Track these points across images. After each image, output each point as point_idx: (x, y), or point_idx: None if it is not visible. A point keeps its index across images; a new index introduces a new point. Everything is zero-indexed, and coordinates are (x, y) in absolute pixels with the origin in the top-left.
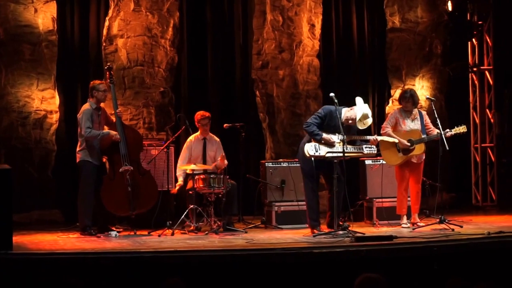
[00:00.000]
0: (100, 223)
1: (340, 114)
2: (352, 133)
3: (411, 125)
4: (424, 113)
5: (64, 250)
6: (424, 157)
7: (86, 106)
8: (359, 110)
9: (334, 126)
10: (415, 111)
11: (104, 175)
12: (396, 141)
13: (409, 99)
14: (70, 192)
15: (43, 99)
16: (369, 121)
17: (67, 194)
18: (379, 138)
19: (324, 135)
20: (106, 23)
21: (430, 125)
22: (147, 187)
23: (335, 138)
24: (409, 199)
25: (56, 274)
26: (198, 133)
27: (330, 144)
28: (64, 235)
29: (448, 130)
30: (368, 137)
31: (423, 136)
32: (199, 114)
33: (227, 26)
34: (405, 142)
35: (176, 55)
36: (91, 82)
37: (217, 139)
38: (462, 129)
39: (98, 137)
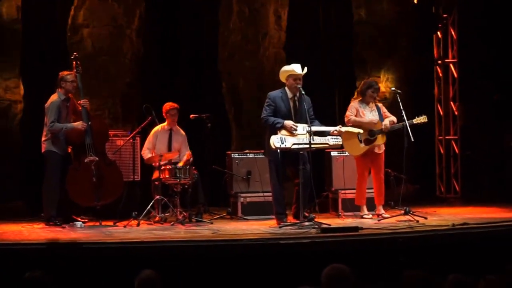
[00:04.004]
0: (65, 214)
1: (305, 102)
2: (303, 112)
3: (370, 116)
4: (380, 105)
5: (29, 241)
6: (384, 147)
7: (54, 97)
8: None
9: (283, 110)
10: (372, 102)
11: (70, 165)
12: (361, 131)
13: (376, 90)
14: (35, 182)
15: (7, 88)
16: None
17: (32, 184)
18: (344, 129)
19: (286, 122)
20: (71, 13)
21: (388, 114)
22: (112, 178)
23: (301, 129)
24: (372, 190)
25: (21, 265)
26: (165, 123)
27: (291, 131)
28: (28, 226)
29: (409, 120)
30: (332, 128)
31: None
32: (168, 104)
33: (194, 17)
34: (375, 123)
35: (142, 45)
36: (60, 73)
37: (183, 133)
38: (422, 119)
39: (61, 131)
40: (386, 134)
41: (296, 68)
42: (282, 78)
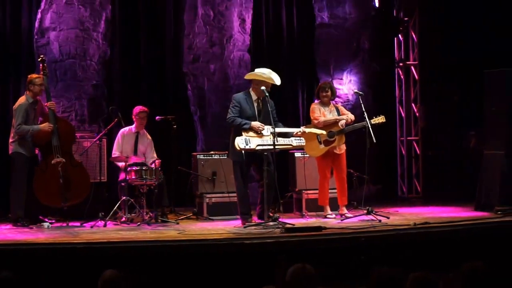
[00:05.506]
0: (32, 214)
1: (268, 104)
2: (268, 114)
3: (329, 116)
4: (338, 105)
5: None
6: (345, 147)
7: (22, 99)
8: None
9: (248, 112)
10: (331, 104)
11: (37, 166)
12: (324, 132)
13: (327, 90)
14: (2, 183)
15: None
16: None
17: None
18: (307, 130)
19: (253, 123)
20: (38, 16)
21: (346, 112)
22: (79, 179)
23: (265, 131)
24: (335, 191)
25: None
26: (132, 125)
27: (258, 132)
28: None
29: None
30: (295, 130)
31: (342, 127)
32: (138, 108)
33: (159, 20)
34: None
35: (108, 48)
36: (28, 76)
37: (149, 137)
38: (380, 119)
39: (28, 133)
40: (345, 135)
41: (275, 79)
42: (254, 79)
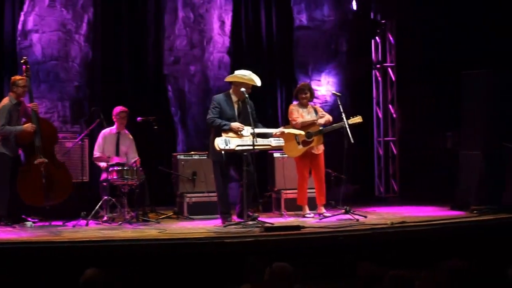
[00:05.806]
0: (14, 214)
1: (248, 105)
2: (247, 115)
3: (308, 117)
4: (316, 106)
5: None
6: (323, 148)
7: (5, 100)
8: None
9: (228, 113)
10: (309, 105)
11: (20, 166)
12: (303, 133)
13: (307, 92)
14: None
15: None
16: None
17: None
18: (286, 130)
19: (232, 124)
20: (21, 18)
21: (324, 114)
22: (62, 179)
23: (245, 132)
24: (314, 190)
25: None
26: (113, 126)
27: (238, 132)
28: None
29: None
30: (274, 130)
31: (320, 128)
32: (118, 108)
33: (140, 22)
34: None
35: (90, 50)
36: (12, 78)
37: (131, 137)
38: (357, 119)
39: (12, 134)
40: (323, 135)
41: (256, 80)
42: (234, 81)
